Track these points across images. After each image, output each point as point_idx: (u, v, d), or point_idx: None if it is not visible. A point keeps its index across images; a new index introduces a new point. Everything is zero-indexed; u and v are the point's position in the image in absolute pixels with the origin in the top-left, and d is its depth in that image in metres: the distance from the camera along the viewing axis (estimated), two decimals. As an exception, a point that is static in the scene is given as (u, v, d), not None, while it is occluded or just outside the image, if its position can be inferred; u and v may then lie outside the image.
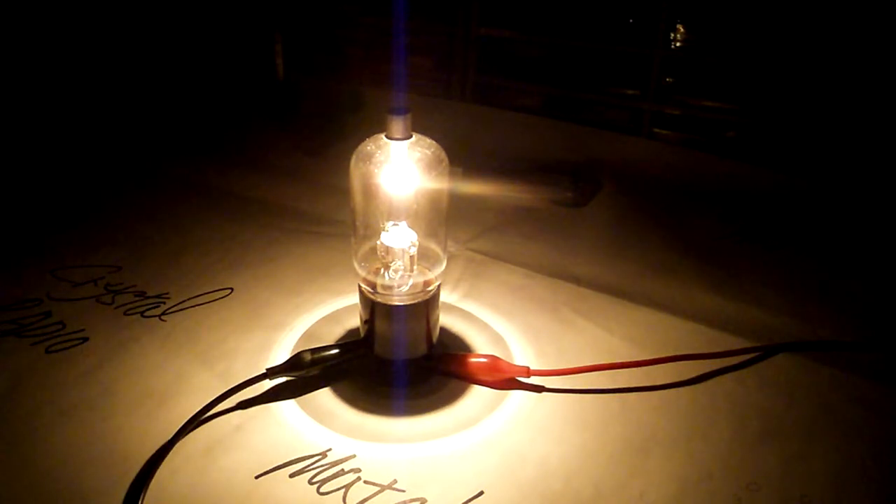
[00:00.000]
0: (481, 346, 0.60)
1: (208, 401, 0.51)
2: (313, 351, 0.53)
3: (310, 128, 1.03)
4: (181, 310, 0.63)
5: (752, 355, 0.59)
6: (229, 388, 0.51)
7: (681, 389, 0.55)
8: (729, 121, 0.96)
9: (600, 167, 0.96)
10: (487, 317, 0.64)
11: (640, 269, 0.73)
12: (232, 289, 0.67)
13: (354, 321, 0.62)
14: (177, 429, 0.48)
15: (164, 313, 0.63)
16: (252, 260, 0.72)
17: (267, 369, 0.52)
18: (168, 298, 0.65)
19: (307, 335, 0.60)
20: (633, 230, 0.82)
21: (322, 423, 0.50)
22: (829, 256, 0.76)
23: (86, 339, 0.59)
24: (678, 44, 1.01)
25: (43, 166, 0.94)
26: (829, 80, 0.87)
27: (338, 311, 0.64)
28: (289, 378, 0.53)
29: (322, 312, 0.63)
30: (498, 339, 0.61)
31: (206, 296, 0.65)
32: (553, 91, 1.06)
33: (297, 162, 0.97)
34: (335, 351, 0.53)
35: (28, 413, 0.50)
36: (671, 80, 1.00)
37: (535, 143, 1.01)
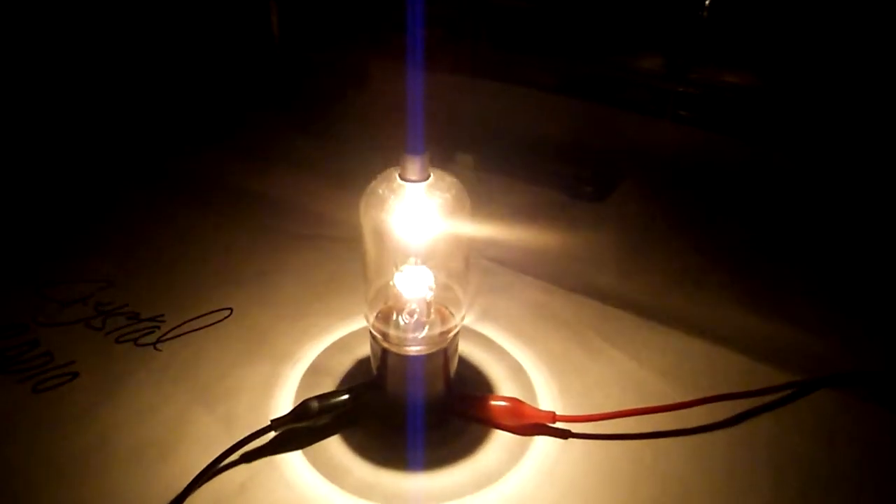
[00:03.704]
0: (501, 379, 0.56)
1: (210, 450, 0.47)
2: (320, 398, 0.49)
3: (311, 107, 0.96)
4: (177, 336, 0.59)
5: (790, 391, 0.55)
6: (233, 442, 0.47)
7: (716, 434, 0.51)
8: (761, 101, 0.89)
9: (620, 153, 0.90)
10: (507, 342, 0.59)
11: (666, 280, 0.69)
12: (231, 309, 0.62)
13: (365, 349, 0.58)
14: (178, 488, 0.45)
15: (158, 340, 0.58)
16: (252, 273, 0.67)
17: (272, 421, 0.48)
18: (162, 322, 0.60)
19: (314, 368, 0.56)
20: (655, 230, 0.77)
21: (333, 481, 0.47)
22: (870, 268, 0.71)
23: (76, 375, 0.55)
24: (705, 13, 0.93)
25: (23, 171, 0.87)
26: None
27: (346, 336, 0.60)
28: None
29: (329, 339, 0.59)
30: (519, 370, 0.57)
31: (203, 318, 0.61)
32: (570, 66, 0.98)
33: (296, 147, 0.91)
34: (344, 397, 0.49)
35: (16, 469, 0.47)
36: (695, 55, 0.93)
37: (550, 123, 0.94)
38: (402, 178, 0.41)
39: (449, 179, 0.42)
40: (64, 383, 0.54)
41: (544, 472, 0.48)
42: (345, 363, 0.57)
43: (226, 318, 0.61)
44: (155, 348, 0.58)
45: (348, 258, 0.69)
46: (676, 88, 0.91)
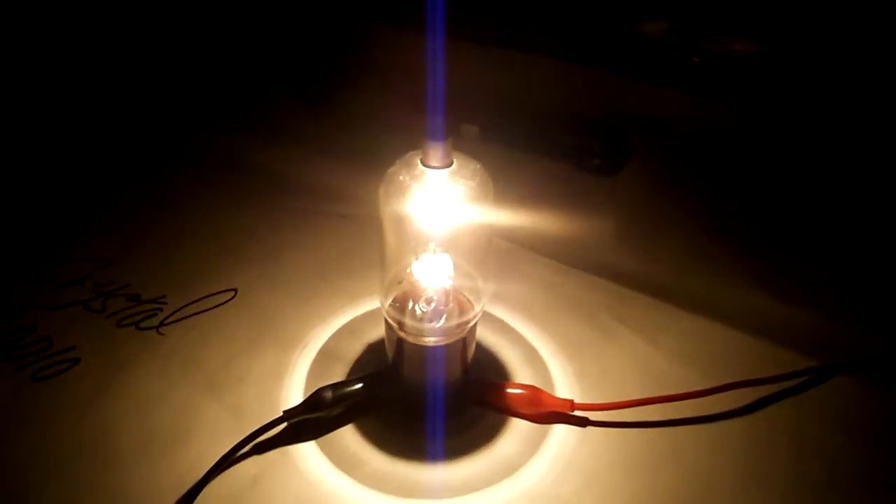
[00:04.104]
0: (516, 365, 0.54)
1: (220, 441, 0.46)
2: (334, 387, 0.48)
3: (318, 82, 0.91)
4: (180, 319, 0.57)
5: (807, 377, 0.54)
6: (244, 433, 0.46)
7: (735, 422, 0.50)
8: (778, 73, 0.87)
9: (630, 124, 0.87)
10: (521, 326, 0.58)
11: (677, 259, 0.67)
12: (235, 290, 0.60)
13: (375, 333, 0.56)
14: (189, 481, 0.43)
15: (161, 324, 0.56)
16: (256, 251, 0.65)
17: (284, 412, 0.47)
18: (164, 304, 0.58)
19: (323, 353, 0.54)
20: (665, 205, 0.75)
21: (348, 472, 0.45)
22: (884, 250, 0.69)
23: (76, 361, 0.53)
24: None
25: (19, 146, 0.82)
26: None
27: (356, 319, 0.58)
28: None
29: (338, 322, 0.58)
30: (534, 355, 0.55)
31: (206, 300, 0.59)
32: (578, 33, 0.95)
33: (302, 122, 0.87)
34: (358, 386, 0.48)
35: (18, 465, 0.45)
36: (711, 23, 0.89)
37: (557, 92, 0.91)
38: (424, 165, 0.39)
39: (472, 166, 0.40)
40: (65, 370, 0.52)
41: (563, 462, 0.47)
42: (355, 348, 0.55)
43: (230, 299, 0.59)
44: (158, 332, 0.56)
45: (355, 236, 0.67)
46: (691, 58, 0.88)
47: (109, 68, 0.92)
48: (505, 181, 0.76)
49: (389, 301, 0.46)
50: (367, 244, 0.66)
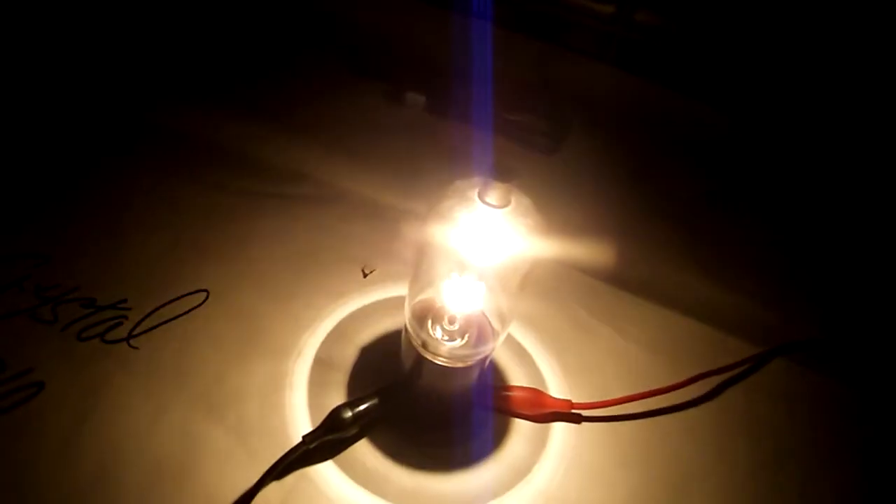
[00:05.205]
0: (507, 361, 0.56)
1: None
2: (351, 405, 0.47)
3: (268, 44, 0.82)
4: (151, 328, 0.52)
5: (750, 365, 0.61)
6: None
7: (701, 409, 0.56)
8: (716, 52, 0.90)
9: (569, 97, 0.89)
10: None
11: (629, 246, 0.70)
12: (207, 292, 0.55)
13: (364, 335, 0.55)
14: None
15: (131, 335, 0.51)
16: (218, 242, 0.60)
17: (304, 437, 0.45)
18: (128, 310, 0.53)
19: (318, 362, 0.53)
20: (609, 187, 0.79)
21: (374, 491, 0.46)
22: (807, 225, 0.77)
23: (40, 386, 0.47)
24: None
25: None
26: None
27: (342, 322, 0.56)
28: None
29: (325, 325, 0.56)
30: (522, 352, 0.57)
31: (176, 304, 0.54)
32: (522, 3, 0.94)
33: (233, 84, 0.79)
34: (374, 402, 0.47)
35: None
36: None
37: (502, 61, 0.90)
38: (484, 202, 0.38)
39: (525, 203, 0.40)
40: (28, 399, 0.46)
41: (568, 460, 0.51)
42: (349, 354, 0.54)
43: (203, 302, 0.55)
44: (129, 345, 0.51)
45: (323, 222, 0.64)
46: (626, 34, 0.91)
47: (54, 40, 0.77)
48: (451, 158, 0.76)
49: (412, 316, 0.46)
50: (336, 232, 0.63)
